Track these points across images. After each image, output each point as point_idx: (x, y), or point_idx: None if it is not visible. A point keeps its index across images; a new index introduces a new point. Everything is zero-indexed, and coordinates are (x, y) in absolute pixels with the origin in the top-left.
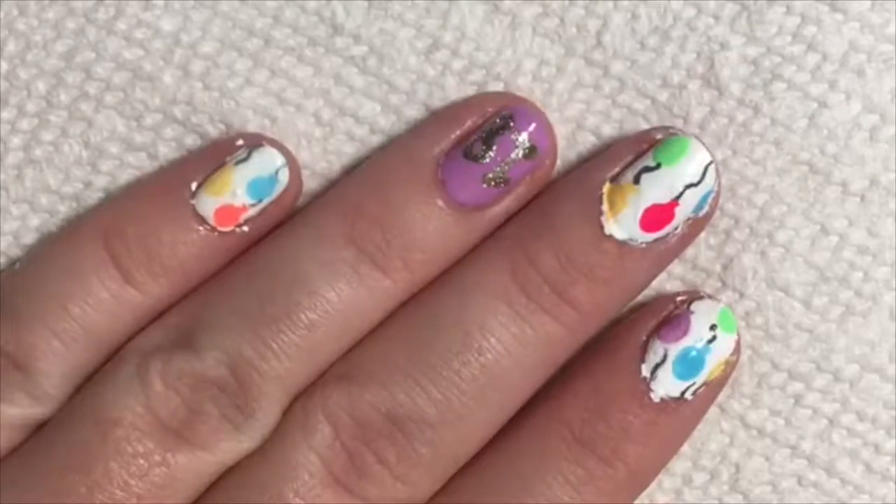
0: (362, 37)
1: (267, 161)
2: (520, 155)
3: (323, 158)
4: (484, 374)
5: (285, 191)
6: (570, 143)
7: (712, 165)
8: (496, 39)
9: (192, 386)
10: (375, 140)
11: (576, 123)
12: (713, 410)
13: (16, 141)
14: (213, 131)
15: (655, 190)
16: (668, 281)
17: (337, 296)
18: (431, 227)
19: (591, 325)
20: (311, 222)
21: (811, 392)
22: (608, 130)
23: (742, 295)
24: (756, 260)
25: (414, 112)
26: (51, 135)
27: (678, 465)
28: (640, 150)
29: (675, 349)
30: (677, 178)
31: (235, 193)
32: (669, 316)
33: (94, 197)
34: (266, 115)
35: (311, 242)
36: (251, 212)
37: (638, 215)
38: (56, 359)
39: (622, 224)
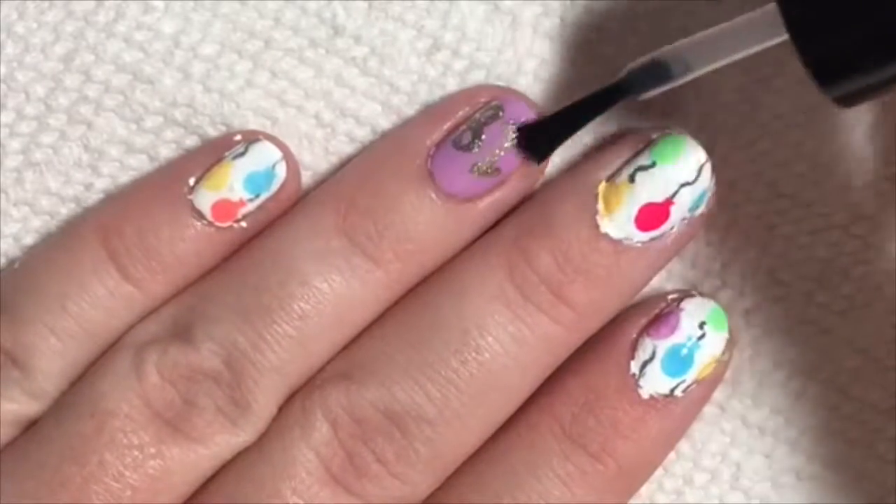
0: (363, 38)
1: (263, 155)
2: (509, 144)
3: (324, 160)
4: (482, 373)
5: (283, 187)
6: (569, 141)
7: (708, 164)
8: (497, 39)
9: (188, 378)
10: None
11: None
12: (713, 410)
13: (15, 144)
14: (214, 133)
15: (650, 188)
16: (668, 280)
17: (329, 287)
18: (422, 218)
19: (588, 324)
20: (305, 214)
21: (812, 388)
22: (607, 128)
23: (742, 293)
24: (756, 256)
25: (415, 113)
26: (50, 138)
27: (679, 465)
28: (636, 148)
29: (663, 346)
30: (672, 176)
31: (232, 188)
32: (660, 314)
33: (95, 199)
34: (267, 117)
35: (304, 234)
36: (249, 207)
37: (633, 214)
38: (54, 356)
39: (617, 223)
